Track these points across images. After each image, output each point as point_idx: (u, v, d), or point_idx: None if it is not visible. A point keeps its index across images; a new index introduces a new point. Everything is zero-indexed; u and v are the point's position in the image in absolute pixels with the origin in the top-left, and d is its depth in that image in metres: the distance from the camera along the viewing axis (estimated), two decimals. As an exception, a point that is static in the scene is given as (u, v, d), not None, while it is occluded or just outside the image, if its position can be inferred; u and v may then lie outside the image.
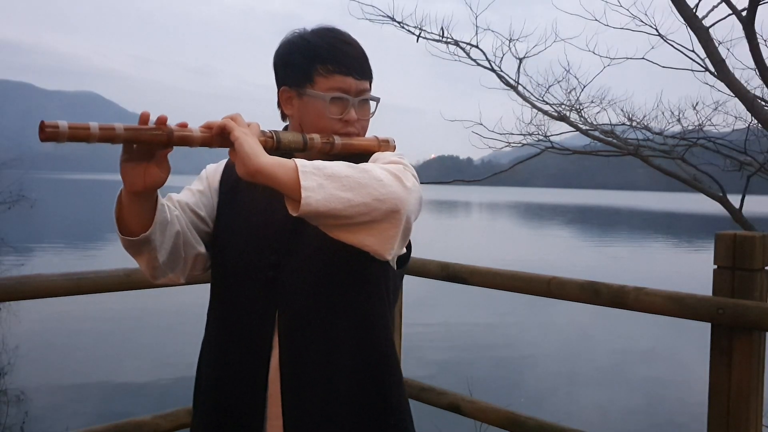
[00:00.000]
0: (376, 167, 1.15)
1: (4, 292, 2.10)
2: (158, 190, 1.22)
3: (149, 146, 1.11)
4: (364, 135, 1.35)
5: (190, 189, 1.39)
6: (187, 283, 1.39)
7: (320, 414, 1.26)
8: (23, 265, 14.25)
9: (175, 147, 1.13)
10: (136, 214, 1.19)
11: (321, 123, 1.29)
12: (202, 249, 1.34)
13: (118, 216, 1.20)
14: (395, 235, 1.14)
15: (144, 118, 1.08)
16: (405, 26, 4.88)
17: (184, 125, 1.11)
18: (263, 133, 1.17)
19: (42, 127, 0.97)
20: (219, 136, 1.12)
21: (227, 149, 1.15)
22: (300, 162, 1.09)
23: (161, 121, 1.08)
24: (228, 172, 1.39)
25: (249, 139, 1.09)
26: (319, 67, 1.28)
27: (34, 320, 10.12)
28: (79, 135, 0.99)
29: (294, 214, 1.08)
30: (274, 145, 1.18)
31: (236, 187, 1.36)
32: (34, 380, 7.79)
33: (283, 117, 1.39)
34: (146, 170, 1.13)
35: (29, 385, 7.57)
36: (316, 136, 1.25)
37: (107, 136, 1.03)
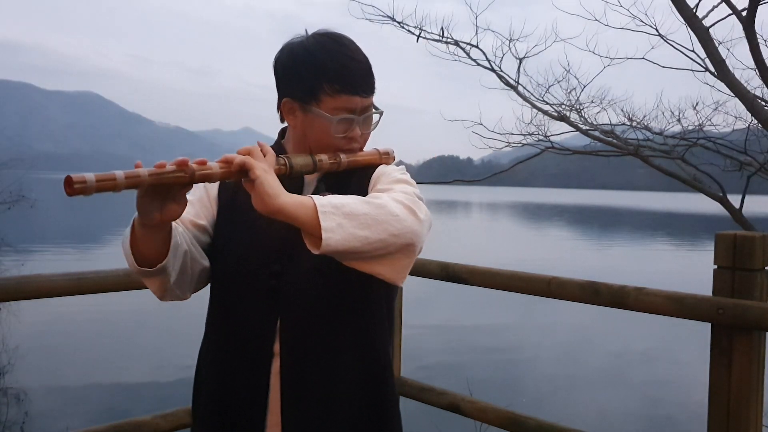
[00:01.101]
0: (391, 201, 1.17)
1: (4, 292, 2.10)
2: None
3: (173, 187, 1.12)
4: (365, 145, 1.37)
5: (189, 200, 1.36)
6: (192, 293, 1.37)
7: (319, 422, 1.26)
8: (23, 265, 14.23)
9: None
10: (151, 244, 1.18)
11: (326, 140, 1.31)
12: (206, 263, 1.34)
13: (132, 245, 1.19)
14: (409, 264, 1.21)
15: (162, 164, 1.08)
16: (405, 26, 4.88)
17: (203, 163, 1.11)
18: (277, 161, 1.20)
19: (69, 182, 0.97)
20: (237, 173, 1.13)
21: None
22: (318, 201, 1.11)
23: (183, 163, 1.08)
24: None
25: (269, 177, 1.11)
26: (326, 86, 1.27)
27: (34, 320, 10.11)
28: (106, 186, 1.00)
29: (314, 252, 1.12)
30: (288, 172, 1.22)
31: (235, 194, 1.35)
32: (34, 380, 7.79)
33: (282, 120, 1.38)
34: (164, 206, 1.13)
35: (29, 385, 7.56)
36: (324, 157, 1.29)
37: (133, 183, 1.04)
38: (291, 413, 1.26)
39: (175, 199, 1.13)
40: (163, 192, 1.11)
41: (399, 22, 4.87)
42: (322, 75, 1.27)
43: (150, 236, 1.17)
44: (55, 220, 32.23)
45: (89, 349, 9.25)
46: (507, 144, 5.33)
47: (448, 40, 4.93)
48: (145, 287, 2.23)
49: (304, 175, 1.29)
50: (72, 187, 0.97)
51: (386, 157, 1.38)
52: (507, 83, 5.00)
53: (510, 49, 4.94)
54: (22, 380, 7.75)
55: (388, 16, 4.88)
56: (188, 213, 1.33)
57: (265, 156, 1.15)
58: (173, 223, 1.24)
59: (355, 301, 1.30)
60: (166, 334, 9.97)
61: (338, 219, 1.10)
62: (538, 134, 5.21)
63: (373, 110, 1.35)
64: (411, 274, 2.71)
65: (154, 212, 1.12)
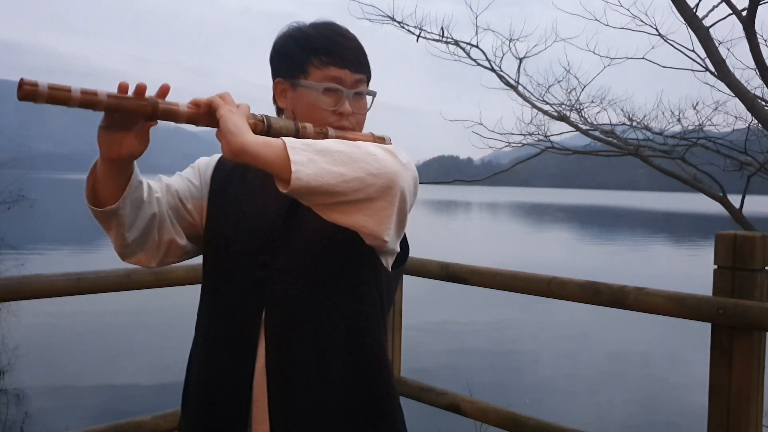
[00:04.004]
0: (369, 143, 1.12)
1: (4, 292, 2.10)
2: (144, 176, 1.20)
3: (132, 117, 1.07)
4: (360, 130, 1.30)
5: (181, 175, 1.36)
6: (159, 266, 1.34)
7: (309, 418, 1.21)
8: (23, 265, 14.22)
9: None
10: (109, 185, 1.15)
11: (314, 114, 1.24)
12: (179, 238, 1.30)
13: (91, 185, 1.16)
14: (391, 213, 1.10)
15: (123, 88, 1.04)
16: (405, 26, 4.89)
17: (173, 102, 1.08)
18: (253, 115, 1.12)
19: (21, 84, 0.93)
20: (206, 114, 1.08)
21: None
22: (287, 139, 1.05)
23: (141, 89, 1.04)
24: (220, 167, 1.36)
25: (234, 116, 1.05)
26: (314, 59, 1.24)
27: (34, 320, 10.11)
28: (58, 97, 0.95)
29: (284, 191, 1.04)
30: (264, 130, 1.13)
31: (227, 182, 1.33)
32: (34, 380, 7.79)
33: (279, 113, 1.34)
34: (123, 140, 1.09)
35: (29, 385, 7.56)
36: (309, 125, 1.20)
37: (89, 101, 0.98)
38: (279, 407, 1.20)
39: (136, 135, 1.10)
40: (125, 126, 1.08)
41: (399, 22, 4.89)
42: (311, 48, 1.25)
43: (109, 177, 1.14)
44: (55, 220, 32.20)
45: (89, 349, 9.24)
46: (507, 144, 5.33)
47: (448, 40, 4.94)
48: (146, 287, 2.24)
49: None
50: (22, 89, 0.93)
51: (380, 142, 1.27)
52: (507, 83, 5.00)
53: (510, 49, 4.96)
54: (22, 380, 7.75)
55: (388, 16, 4.89)
56: (178, 186, 1.32)
57: (238, 107, 1.10)
58: (152, 185, 1.24)
59: (345, 292, 1.23)
60: (166, 334, 9.96)
61: (309, 154, 1.02)
62: (538, 134, 5.22)
63: (365, 91, 1.30)
64: (411, 274, 2.72)
65: (113, 146, 1.09)
